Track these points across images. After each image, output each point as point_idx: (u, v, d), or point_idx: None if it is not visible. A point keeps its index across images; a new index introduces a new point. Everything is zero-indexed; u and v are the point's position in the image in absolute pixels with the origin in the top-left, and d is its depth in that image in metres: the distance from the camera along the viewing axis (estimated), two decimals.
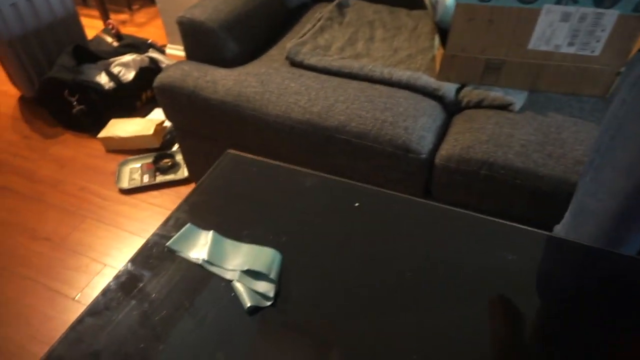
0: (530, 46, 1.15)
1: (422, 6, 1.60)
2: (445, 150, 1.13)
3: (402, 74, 1.26)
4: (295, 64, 1.38)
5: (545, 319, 0.59)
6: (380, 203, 0.75)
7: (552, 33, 1.13)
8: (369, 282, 0.63)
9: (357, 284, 0.62)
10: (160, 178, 1.80)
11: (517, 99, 1.19)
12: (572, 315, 0.59)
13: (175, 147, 1.93)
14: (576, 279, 0.64)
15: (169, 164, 1.83)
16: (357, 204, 0.75)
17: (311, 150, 1.26)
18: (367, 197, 0.75)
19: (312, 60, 1.35)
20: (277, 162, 0.83)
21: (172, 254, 0.65)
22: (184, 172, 1.81)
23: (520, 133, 1.10)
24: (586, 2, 1.05)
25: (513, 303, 0.60)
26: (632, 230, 0.78)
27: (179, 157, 1.87)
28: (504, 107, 1.19)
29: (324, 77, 1.30)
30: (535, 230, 0.70)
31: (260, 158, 0.84)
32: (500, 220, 0.73)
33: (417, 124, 1.15)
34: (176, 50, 2.53)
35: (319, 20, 1.55)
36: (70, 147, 2.01)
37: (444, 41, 1.21)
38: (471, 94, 1.23)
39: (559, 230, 0.89)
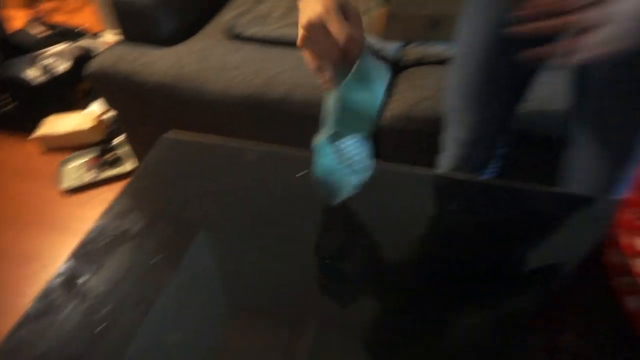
0: None
1: None
2: (390, 111, 1.12)
3: None
4: (234, 36, 1.33)
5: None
6: None
7: None
8: (320, 252, 0.62)
9: (306, 257, 0.61)
10: (107, 173, 1.72)
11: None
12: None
13: (121, 137, 1.85)
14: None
15: (116, 156, 1.75)
16: (299, 174, 0.73)
17: (257, 124, 1.22)
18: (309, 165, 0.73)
19: (252, 31, 1.30)
20: (217, 140, 0.80)
21: (114, 248, 0.62)
22: (133, 163, 1.74)
23: None
24: None
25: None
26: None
27: (126, 148, 1.79)
28: (446, 60, 1.18)
29: (264, 47, 1.26)
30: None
31: (199, 138, 0.80)
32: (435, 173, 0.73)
33: None
34: (115, 36, 2.39)
35: None
36: (4, 149, 1.89)
37: None
38: (413, 51, 1.22)
39: None
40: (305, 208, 0.67)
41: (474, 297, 0.55)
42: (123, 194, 0.70)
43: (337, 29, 0.51)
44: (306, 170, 0.72)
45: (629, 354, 0.49)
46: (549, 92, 1.02)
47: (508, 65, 0.76)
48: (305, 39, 0.53)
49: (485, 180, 0.83)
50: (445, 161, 0.96)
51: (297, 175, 0.72)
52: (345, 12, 0.53)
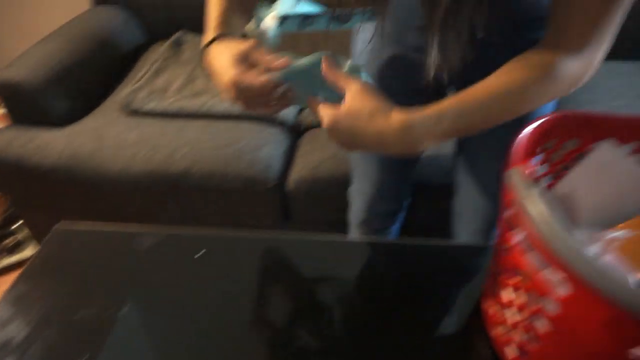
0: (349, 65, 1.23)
1: None
2: (294, 175, 1.15)
3: None
4: (132, 112, 1.31)
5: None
6: (226, 246, 0.73)
7: None
8: (222, 330, 0.61)
9: (214, 344, 0.60)
10: (6, 260, 1.58)
11: None
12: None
13: (19, 222, 1.72)
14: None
15: (14, 242, 1.62)
16: (196, 256, 0.72)
17: (160, 201, 1.20)
18: (212, 243, 0.73)
19: (150, 106, 1.30)
20: (111, 227, 0.78)
21: None
22: (33, 248, 1.61)
23: None
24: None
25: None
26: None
27: (26, 232, 1.67)
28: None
29: (163, 122, 1.26)
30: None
31: (92, 227, 0.77)
32: (338, 238, 0.76)
33: (261, 154, 1.15)
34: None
35: (154, 62, 1.50)
36: None
37: None
38: (311, 114, 1.27)
39: None
40: (206, 289, 0.66)
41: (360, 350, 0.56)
42: (4, 299, 0.65)
43: (254, 81, 0.56)
44: (204, 250, 0.72)
45: None
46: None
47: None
48: (235, 99, 0.58)
49: (379, 239, 0.86)
50: (355, 215, 0.99)
51: (195, 257, 0.71)
52: (250, 60, 0.58)
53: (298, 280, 0.68)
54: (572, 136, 0.63)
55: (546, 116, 0.58)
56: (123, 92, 1.36)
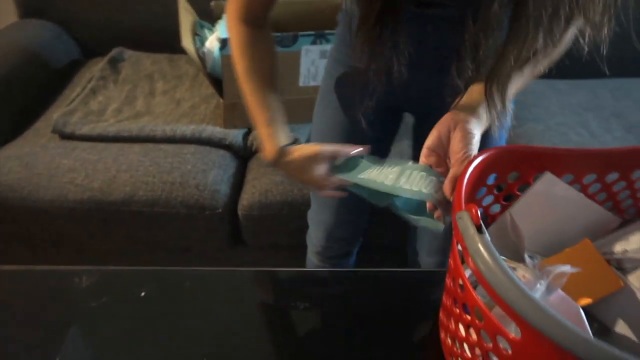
0: (301, 84, 1.22)
1: None
2: (245, 199, 1.12)
3: (185, 128, 1.22)
4: (65, 136, 1.23)
5: None
6: (168, 283, 0.69)
7: (315, 70, 1.21)
8: None
9: None
10: None
11: (301, 134, 1.25)
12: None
13: None
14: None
15: None
16: (142, 294, 0.68)
17: (100, 230, 1.13)
18: (154, 281, 0.69)
19: (85, 130, 1.21)
20: (46, 268, 0.72)
21: None
22: None
23: None
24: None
25: None
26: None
27: None
28: (291, 143, 1.23)
29: (101, 146, 1.18)
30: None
31: (22, 268, 0.71)
32: (291, 269, 0.75)
33: (208, 179, 1.11)
34: None
35: (89, 81, 1.41)
36: None
37: (219, 91, 1.21)
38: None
39: None
40: (155, 327, 0.62)
41: None
42: None
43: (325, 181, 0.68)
44: (152, 284, 0.67)
45: None
46: None
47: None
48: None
49: (337, 270, 0.85)
50: (313, 242, 0.98)
51: (142, 295, 0.67)
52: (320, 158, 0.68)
53: (248, 313, 0.65)
54: (513, 169, 0.64)
55: (488, 151, 0.59)
56: (55, 114, 1.27)
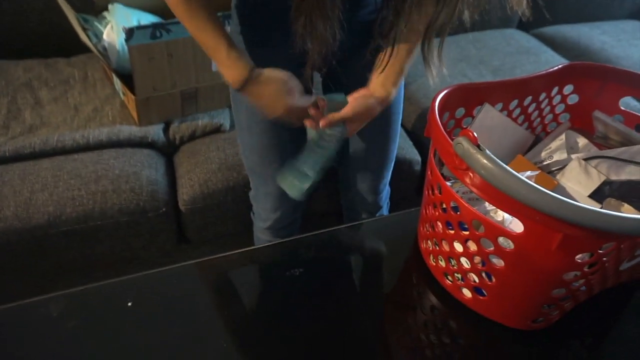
0: (214, 69, 1.20)
1: (81, 50, 1.43)
2: (185, 194, 1.08)
3: (98, 133, 1.11)
4: None
5: None
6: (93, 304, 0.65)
7: None
8: None
9: None
10: None
11: (224, 118, 1.23)
12: None
13: None
14: None
15: None
16: (129, 303, 0.64)
17: (30, 262, 0.99)
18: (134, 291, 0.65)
19: None
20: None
21: None
22: None
23: None
24: None
25: None
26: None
27: None
28: (216, 130, 1.21)
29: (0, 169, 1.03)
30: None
31: None
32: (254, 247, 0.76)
33: (142, 180, 1.05)
34: None
35: None
36: None
37: (130, 86, 1.12)
38: (180, 129, 1.20)
39: None
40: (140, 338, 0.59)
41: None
42: None
43: (298, 106, 0.74)
44: (130, 303, 0.64)
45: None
46: None
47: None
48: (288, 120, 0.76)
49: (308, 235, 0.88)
50: (262, 217, 0.99)
51: (129, 304, 0.63)
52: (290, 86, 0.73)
53: (233, 295, 0.66)
54: (460, 105, 0.75)
55: (444, 90, 0.68)
56: None
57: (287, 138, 0.88)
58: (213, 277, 0.70)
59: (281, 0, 0.65)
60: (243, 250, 0.73)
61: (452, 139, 0.55)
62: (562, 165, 0.75)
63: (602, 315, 0.67)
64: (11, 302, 0.63)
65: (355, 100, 0.78)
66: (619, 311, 0.69)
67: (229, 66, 0.71)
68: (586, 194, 0.71)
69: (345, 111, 0.77)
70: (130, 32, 1.01)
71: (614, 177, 0.71)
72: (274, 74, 0.73)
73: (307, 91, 0.78)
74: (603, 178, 0.70)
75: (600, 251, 0.52)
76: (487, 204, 0.65)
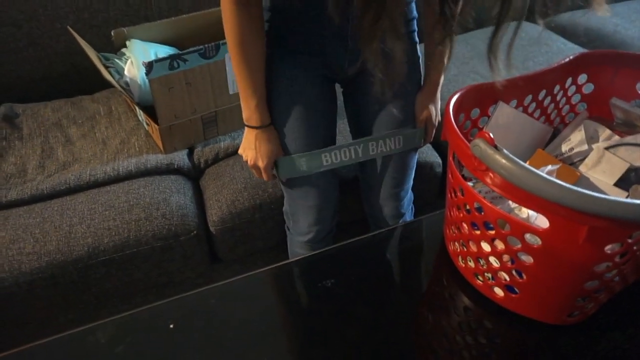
0: (231, 92, 1.24)
1: (103, 86, 1.50)
2: (214, 215, 1.11)
3: (127, 164, 1.16)
4: None
5: None
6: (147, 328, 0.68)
7: None
8: None
9: None
10: None
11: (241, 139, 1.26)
12: None
13: None
14: None
15: None
16: (171, 325, 0.66)
17: (74, 292, 1.04)
18: (176, 315, 0.68)
19: (13, 194, 1.10)
20: (50, 338, 0.66)
21: None
22: None
23: None
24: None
25: None
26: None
27: None
28: (238, 150, 1.24)
29: (38, 207, 1.08)
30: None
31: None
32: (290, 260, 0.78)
33: (172, 205, 1.09)
34: None
35: None
36: None
37: (152, 116, 1.17)
38: (204, 152, 1.24)
39: None
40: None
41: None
42: None
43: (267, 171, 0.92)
44: (172, 325, 0.66)
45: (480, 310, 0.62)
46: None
47: (324, 118, 0.95)
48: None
49: (339, 245, 0.89)
50: (302, 231, 1.00)
51: (171, 326, 0.66)
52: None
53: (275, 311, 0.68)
54: (475, 106, 0.75)
55: (458, 92, 0.69)
56: None
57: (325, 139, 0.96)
58: (248, 294, 0.72)
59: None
60: (274, 266, 0.76)
61: (470, 140, 0.57)
62: (584, 156, 0.75)
63: None
64: (60, 332, 0.66)
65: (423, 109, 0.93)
66: None
67: (252, 112, 0.86)
68: (611, 182, 0.70)
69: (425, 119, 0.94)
70: (150, 66, 1.05)
71: (638, 164, 0.71)
72: (276, 143, 0.89)
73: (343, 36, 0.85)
74: (627, 165, 0.70)
75: (630, 240, 0.52)
76: (510, 201, 0.65)
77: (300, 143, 0.90)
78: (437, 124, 0.97)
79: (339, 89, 0.98)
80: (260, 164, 0.89)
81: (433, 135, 0.99)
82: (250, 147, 0.89)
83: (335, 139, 0.99)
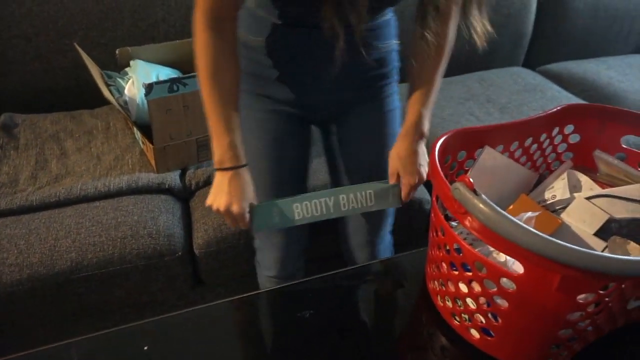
0: None
1: (105, 102, 1.52)
2: (200, 238, 1.11)
3: (118, 181, 1.17)
4: None
5: None
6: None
7: None
8: None
9: None
10: None
11: None
12: None
13: None
14: None
15: None
16: (145, 347, 0.66)
17: (53, 306, 1.03)
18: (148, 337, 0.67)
19: (2, 205, 1.10)
20: (23, 353, 0.66)
21: None
22: None
23: None
24: None
25: None
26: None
27: None
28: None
29: (26, 218, 1.08)
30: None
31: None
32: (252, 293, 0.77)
33: (159, 225, 1.09)
34: None
35: None
36: None
37: (148, 136, 1.19)
38: (196, 175, 1.25)
39: None
40: None
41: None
42: None
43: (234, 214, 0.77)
44: (146, 347, 0.66)
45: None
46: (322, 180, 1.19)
47: (290, 163, 0.92)
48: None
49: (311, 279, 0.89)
50: (270, 265, 1.00)
51: (145, 349, 0.65)
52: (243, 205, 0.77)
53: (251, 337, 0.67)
54: (462, 148, 0.77)
55: (444, 135, 0.71)
56: None
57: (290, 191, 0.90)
58: (226, 320, 0.72)
59: None
60: (254, 293, 0.76)
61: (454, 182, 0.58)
62: (566, 204, 0.76)
63: (616, 355, 0.66)
64: (34, 347, 0.66)
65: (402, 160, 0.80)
66: (634, 351, 0.68)
67: (225, 151, 0.75)
68: (591, 232, 0.71)
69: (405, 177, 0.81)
70: (149, 88, 1.07)
71: (618, 216, 0.72)
72: (251, 186, 0.78)
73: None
74: (607, 216, 0.71)
75: (602, 292, 0.53)
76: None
77: (269, 183, 0.89)
78: (418, 180, 0.81)
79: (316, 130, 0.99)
80: (235, 209, 0.75)
81: (412, 195, 0.83)
82: (223, 192, 0.76)
83: (305, 183, 0.99)
